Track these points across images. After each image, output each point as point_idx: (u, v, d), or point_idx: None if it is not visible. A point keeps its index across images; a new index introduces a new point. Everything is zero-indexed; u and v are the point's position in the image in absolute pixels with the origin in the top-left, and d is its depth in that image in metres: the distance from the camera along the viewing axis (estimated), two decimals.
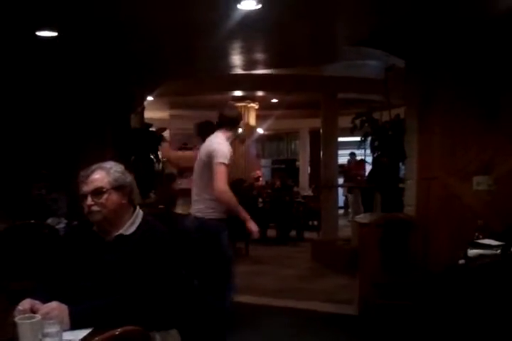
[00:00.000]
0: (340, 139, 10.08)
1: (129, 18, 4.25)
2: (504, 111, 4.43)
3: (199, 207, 4.00)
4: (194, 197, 4.08)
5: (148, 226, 2.41)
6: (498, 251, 3.16)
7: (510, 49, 4.29)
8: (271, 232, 9.87)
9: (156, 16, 4.20)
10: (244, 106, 10.91)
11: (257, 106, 11.20)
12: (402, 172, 5.41)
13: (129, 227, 2.38)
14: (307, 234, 10.16)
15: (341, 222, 10.44)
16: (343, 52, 5.49)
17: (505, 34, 4.25)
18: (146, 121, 7.20)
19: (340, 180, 11.80)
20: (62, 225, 5.22)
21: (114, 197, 2.35)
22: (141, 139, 6.44)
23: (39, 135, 6.18)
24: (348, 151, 13.89)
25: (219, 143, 3.92)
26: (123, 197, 2.39)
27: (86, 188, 2.33)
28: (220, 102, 10.75)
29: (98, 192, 2.32)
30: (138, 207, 2.49)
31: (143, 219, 2.44)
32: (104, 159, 2.50)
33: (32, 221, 4.71)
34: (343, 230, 9.50)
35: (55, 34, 4.58)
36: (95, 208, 2.32)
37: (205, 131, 4.70)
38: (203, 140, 4.27)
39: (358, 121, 5.30)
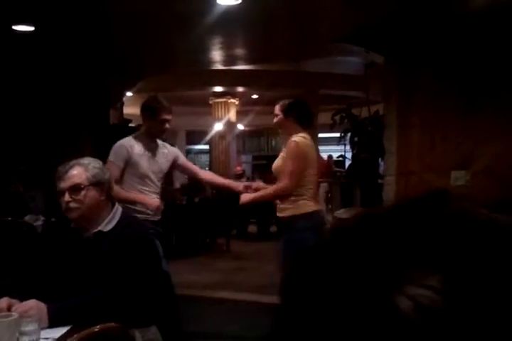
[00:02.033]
0: (320, 135, 10.12)
1: (107, 12, 4.21)
2: (483, 106, 4.48)
3: None
4: None
5: (127, 223, 2.40)
6: None
7: (490, 44, 4.35)
8: (252, 228, 9.88)
9: (135, 10, 4.16)
10: (225, 101, 10.89)
11: (237, 102, 11.19)
12: (381, 168, 5.46)
13: (108, 224, 2.36)
14: None
15: None
16: (323, 48, 5.50)
17: (484, 29, 4.29)
18: (125, 117, 7.16)
19: None
20: (39, 222, 5.17)
21: (92, 193, 2.32)
22: (120, 135, 6.37)
23: (16, 131, 6.10)
24: (329, 147, 13.99)
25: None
26: (101, 194, 2.37)
27: (64, 184, 2.30)
28: (200, 98, 10.77)
29: (76, 188, 2.29)
30: (117, 204, 2.47)
31: (122, 215, 2.43)
32: (83, 155, 2.48)
33: (9, 218, 4.65)
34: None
35: (32, 29, 4.52)
36: (73, 205, 2.29)
37: None
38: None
39: (337, 117, 5.31)
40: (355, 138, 5.02)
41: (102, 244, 2.30)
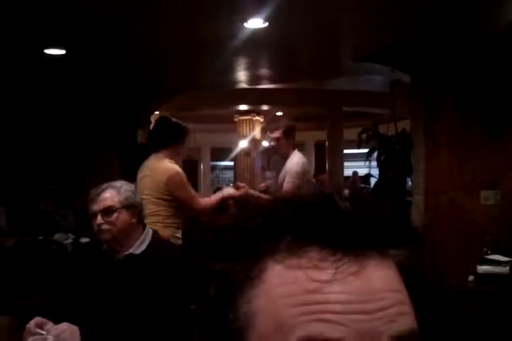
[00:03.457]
0: (346, 151, 10.10)
1: (137, 36, 4.29)
2: (510, 124, 4.43)
3: None
4: None
5: (158, 245, 2.42)
6: (507, 268, 3.14)
7: None
8: None
9: (163, 34, 4.24)
10: (249, 119, 10.94)
11: (262, 120, 11.23)
12: (408, 186, 5.40)
13: (139, 246, 2.38)
14: None
15: None
16: (347, 67, 5.52)
17: (508, 50, 4.26)
18: None
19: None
20: (69, 241, 5.23)
21: (124, 216, 2.35)
22: (147, 154, 6.45)
23: (47, 151, 6.21)
24: (355, 163, 13.94)
25: None
26: (133, 216, 2.39)
27: (96, 207, 2.34)
28: (225, 115, 10.85)
29: (108, 211, 2.32)
30: (147, 227, 2.50)
31: (152, 238, 2.45)
32: (111, 174, 2.52)
33: (40, 237, 4.72)
34: None
35: (63, 52, 4.63)
36: (105, 227, 2.32)
37: None
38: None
39: (364, 136, 5.30)
40: (382, 157, 4.99)
41: (133, 266, 2.32)
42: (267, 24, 3.80)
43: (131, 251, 2.36)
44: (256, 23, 3.80)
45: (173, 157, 3.59)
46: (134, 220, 2.40)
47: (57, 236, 5.21)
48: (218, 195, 3.56)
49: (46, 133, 6.23)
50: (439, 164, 4.57)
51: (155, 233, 2.51)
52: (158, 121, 3.70)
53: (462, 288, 3.19)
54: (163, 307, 2.18)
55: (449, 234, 4.40)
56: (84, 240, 5.05)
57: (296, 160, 3.76)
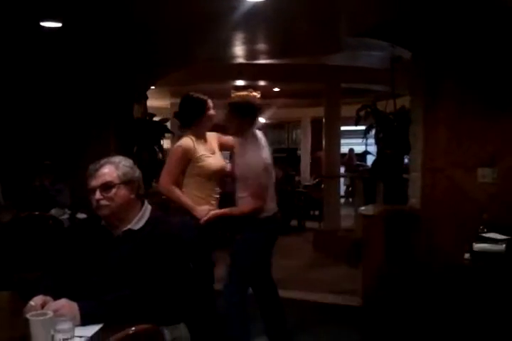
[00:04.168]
0: (343, 128, 10.05)
1: (133, 8, 4.22)
2: (510, 102, 4.41)
3: None
4: None
5: (157, 221, 2.41)
6: (504, 246, 3.17)
7: None
8: None
9: (160, 7, 4.16)
10: (246, 95, 10.84)
11: (258, 95, 11.13)
12: (405, 163, 5.40)
13: (138, 222, 2.38)
14: (309, 224, 10.15)
15: (343, 211, 10.44)
16: (347, 42, 5.46)
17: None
18: (148, 110, 7.18)
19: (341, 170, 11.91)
20: (65, 216, 5.24)
21: (123, 191, 2.35)
22: (144, 129, 6.43)
23: (42, 125, 6.17)
24: (351, 140, 13.93)
25: None
26: (131, 192, 2.39)
27: (94, 182, 2.33)
28: (222, 91, 10.74)
29: (107, 186, 2.32)
30: (146, 202, 2.49)
31: (151, 214, 2.44)
32: (107, 149, 2.50)
33: (36, 212, 4.72)
34: (345, 220, 9.51)
35: (59, 25, 4.55)
36: (104, 202, 2.32)
37: None
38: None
39: (362, 113, 5.27)
40: (380, 134, 4.98)
41: (132, 242, 2.32)
42: None
43: (129, 226, 2.36)
44: None
45: (198, 132, 3.64)
46: (132, 196, 2.39)
47: (53, 212, 5.21)
48: (186, 202, 3.55)
49: (41, 108, 6.17)
50: (437, 141, 4.57)
51: (154, 208, 2.51)
52: (181, 100, 3.72)
53: (458, 265, 3.21)
54: (162, 282, 2.19)
55: (446, 211, 4.43)
56: (80, 216, 5.06)
57: None
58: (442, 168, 4.50)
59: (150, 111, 7.94)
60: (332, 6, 4.13)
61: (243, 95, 4.21)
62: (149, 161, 6.52)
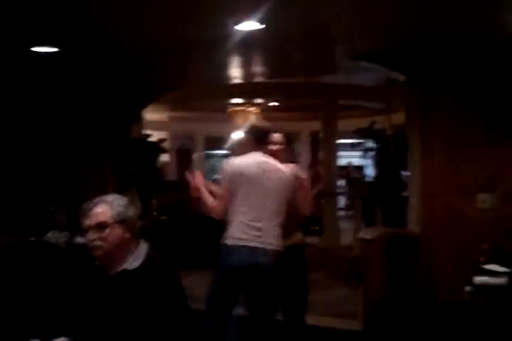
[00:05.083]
0: (341, 141, 10.09)
1: (130, 34, 4.21)
2: (506, 126, 4.41)
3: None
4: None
5: (152, 262, 2.37)
6: (504, 279, 3.14)
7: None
8: None
9: (157, 32, 4.16)
10: (243, 110, 10.86)
11: (256, 110, 11.15)
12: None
13: (133, 262, 2.34)
14: (309, 239, 10.07)
15: (342, 225, 10.39)
16: (342, 65, 5.46)
17: (505, 49, 4.22)
18: (145, 123, 7.20)
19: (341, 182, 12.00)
20: (63, 239, 5.16)
21: (117, 231, 2.31)
22: (140, 149, 6.41)
23: (38, 147, 6.13)
24: (348, 153, 13.97)
25: None
26: (126, 231, 2.35)
27: (88, 222, 2.30)
28: (219, 106, 10.76)
29: (100, 226, 2.28)
30: (142, 241, 2.45)
31: (147, 253, 2.40)
32: (104, 170, 2.47)
33: (32, 238, 4.65)
34: (344, 234, 9.44)
35: (54, 49, 4.54)
36: (97, 243, 2.28)
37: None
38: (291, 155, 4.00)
39: (359, 136, 5.27)
40: (378, 157, 4.97)
41: (127, 283, 2.28)
42: (262, 26, 3.73)
43: (124, 266, 2.32)
44: (251, 25, 3.73)
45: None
46: (127, 235, 2.35)
47: (49, 235, 5.14)
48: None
49: (37, 129, 6.14)
50: (434, 167, 4.56)
51: (150, 247, 2.46)
52: None
53: (458, 300, 3.18)
54: (157, 326, 2.15)
55: (446, 237, 4.40)
56: (78, 240, 4.99)
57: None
58: (440, 193, 4.48)
59: (148, 126, 7.93)
60: (327, 32, 4.13)
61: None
62: (146, 180, 6.51)
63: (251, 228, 3.24)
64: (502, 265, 3.31)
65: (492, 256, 3.45)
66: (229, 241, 3.26)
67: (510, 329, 2.87)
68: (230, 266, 3.23)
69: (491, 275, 3.18)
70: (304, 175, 3.55)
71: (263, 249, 3.22)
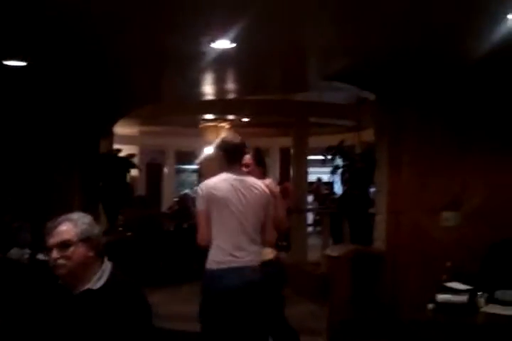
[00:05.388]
0: (311, 157, 10.17)
1: (102, 47, 4.20)
2: (472, 145, 4.53)
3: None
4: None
5: (117, 281, 2.35)
6: (465, 297, 3.20)
7: (480, 85, 4.42)
8: None
9: (129, 47, 4.17)
10: (215, 125, 10.90)
11: (227, 126, 11.20)
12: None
13: (97, 281, 2.31)
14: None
15: (310, 241, 10.42)
16: (314, 83, 5.55)
17: (472, 73, 4.35)
18: (115, 137, 7.13)
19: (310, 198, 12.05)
20: (26, 256, 5.09)
21: (81, 250, 2.28)
22: (109, 165, 6.36)
23: (4, 161, 6.02)
24: (318, 169, 14.09)
25: None
26: (90, 250, 2.32)
27: (52, 241, 2.26)
28: (191, 121, 10.78)
29: (64, 244, 2.25)
30: (106, 260, 2.42)
31: (111, 272, 2.38)
32: (72, 185, 2.44)
33: None
34: (312, 250, 9.47)
35: (24, 64, 4.50)
36: (61, 261, 2.25)
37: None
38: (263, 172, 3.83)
39: (329, 154, 5.34)
40: (346, 175, 5.04)
41: (91, 303, 2.25)
42: (234, 45, 3.78)
43: (88, 286, 2.29)
44: (223, 43, 3.78)
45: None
46: (91, 254, 2.32)
47: (12, 252, 5.05)
48: None
49: (4, 142, 6.04)
50: (401, 183, 4.63)
51: (115, 267, 2.44)
52: None
53: (421, 317, 3.22)
54: None
55: (410, 255, 4.47)
56: (41, 256, 4.91)
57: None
58: (406, 210, 4.55)
59: (118, 140, 7.87)
60: (299, 51, 4.21)
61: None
62: (115, 196, 6.45)
63: (232, 249, 3.20)
64: (464, 283, 3.38)
65: (454, 274, 3.51)
66: (213, 266, 3.21)
67: None
68: (221, 290, 3.17)
69: (453, 293, 3.24)
70: (276, 189, 3.55)
71: (249, 267, 3.21)
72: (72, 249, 2.25)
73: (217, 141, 3.64)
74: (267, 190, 3.39)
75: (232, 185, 3.30)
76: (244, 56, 4.18)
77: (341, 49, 4.15)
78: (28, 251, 5.17)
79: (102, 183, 6.29)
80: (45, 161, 6.10)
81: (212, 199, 3.27)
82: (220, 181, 3.34)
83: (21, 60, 4.43)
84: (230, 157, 3.40)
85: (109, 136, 6.80)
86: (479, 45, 3.61)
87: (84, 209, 2.53)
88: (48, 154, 6.10)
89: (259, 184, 3.39)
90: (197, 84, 5.48)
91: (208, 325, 3.26)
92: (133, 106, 6.54)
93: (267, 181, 3.50)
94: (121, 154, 6.92)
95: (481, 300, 3.23)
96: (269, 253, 3.58)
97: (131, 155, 6.97)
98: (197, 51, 3.96)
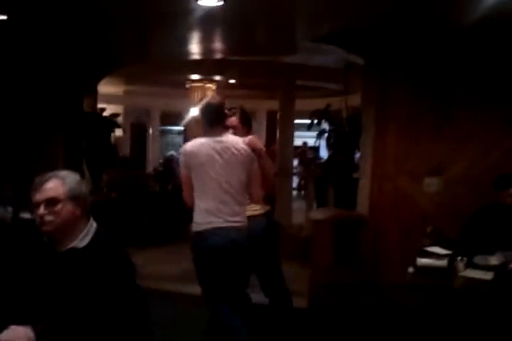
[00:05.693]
0: (297, 121, 10.13)
1: (86, 3, 4.07)
2: (458, 113, 4.53)
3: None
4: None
5: (101, 240, 2.35)
6: (445, 261, 3.27)
7: (469, 51, 4.39)
8: None
9: (114, 2, 4.04)
10: (201, 86, 10.76)
11: (214, 87, 11.06)
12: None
13: (82, 239, 2.31)
14: None
15: (295, 204, 10.49)
16: (302, 46, 5.46)
17: (462, 38, 4.31)
18: (99, 96, 7.00)
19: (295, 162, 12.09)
20: (9, 215, 5.06)
21: (68, 207, 2.27)
22: (93, 124, 6.28)
23: None
24: (305, 133, 14.06)
25: None
26: (77, 208, 2.31)
27: (39, 197, 2.25)
28: (177, 81, 10.62)
29: (52, 201, 2.24)
30: (92, 219, 2.42)
31: (96, 231, 2.38)
32: (55, 144, 2.41)
33: None
34: (296, 214, 9.55)
35: (4, 18, 4.35)
36: (48, 218, 2.24)
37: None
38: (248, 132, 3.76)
39: (315, 118, 5.32)
40: (331, 140, 5.04)
41: (76, 261, 2.26)
42: (221, 3, 3.69)
43: (73, 244, 2.29)
44: (210, 1, 3.68)
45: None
46: (78, 212, 2.32)
47: None
48: None
49: None
50: (386, 149, 4.65)
51: (100, 226, 2.44)
52: None
53: (401, 281, 3.30)
54: (104, 305, 2.14)
55: (393, 219, 4.53)
56: (24, 215, 4.90)
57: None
58: (390, 175, 4.59)
59: (102, 99, 7.73)
60: (288, 12, 4.12)
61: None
62: (99, 156, 6.40)
63: (216, 211, 3.27)
64: (444, 247, 3.45)
65: (435, 239, 3.58)
66: (198, 228, 3.30)
67: (448, 310, 3.01)
68: (208, 248, 3.26)
69: (433, 257, 3.31)
70: (260, 145, 3.51)
71: (234, 227, 3.29)
72: (59, 206, 2.24)
73: (202, 103, 3.61)
74: (248, 150, 3.39)
75: (212, 149, 3.31)
76: (232, 15, 4.09)
77: (330, 10, 4.07)
78: (10, 209, 5.15)
79: (85, 143, 6.22)
80: (27, 119, 5.99)
81: (192, 164, 3.31)
82: (201, 144, 3.34)
83: (1, 14, 4.29)
84: (209, 119, 3.41)
85: (94, 94, 6.66)
86: (469, 9, 3.57)
87: (69, 168, 2.49)
88: (30, 112, 5.98)
89: (241, 144, 3.38)
90: (184, 42, 5.36)
91: (203, 280, 3.37)
92: (118, 65, 6.40)
93: (247, 139, 3.46)
94: (106, 113, 6.81)
95: (460, 265, 3.29)
96: (258, 210, 3.64)
97: (116, 115, 6.87)
98: (183, 8, 3.86)
